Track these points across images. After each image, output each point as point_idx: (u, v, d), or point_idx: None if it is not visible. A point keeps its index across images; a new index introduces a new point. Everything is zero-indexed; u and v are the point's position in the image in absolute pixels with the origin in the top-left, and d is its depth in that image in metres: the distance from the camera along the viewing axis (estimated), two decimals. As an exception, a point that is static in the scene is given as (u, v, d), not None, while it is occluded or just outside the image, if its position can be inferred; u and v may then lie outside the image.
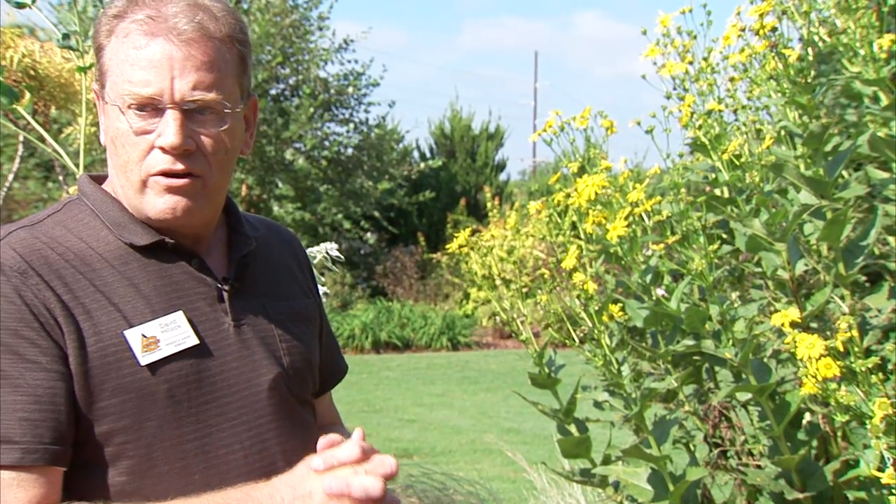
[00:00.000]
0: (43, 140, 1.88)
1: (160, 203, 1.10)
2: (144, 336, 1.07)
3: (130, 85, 1.07)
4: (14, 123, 2.06)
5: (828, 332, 1.49)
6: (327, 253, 2.15)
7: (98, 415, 1.05)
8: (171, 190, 1.10)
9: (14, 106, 1.70)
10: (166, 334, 1.08)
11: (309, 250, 2.18)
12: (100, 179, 1.19)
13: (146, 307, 1.09)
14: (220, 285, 1.16)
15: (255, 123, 1.22)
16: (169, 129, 1.07)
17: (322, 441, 1.04)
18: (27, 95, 1.71)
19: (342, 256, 2.17)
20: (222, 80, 1.10)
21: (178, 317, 1.10)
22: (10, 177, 2.55)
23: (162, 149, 1.08)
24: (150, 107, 1.07)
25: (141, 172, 1.10)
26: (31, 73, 2.08)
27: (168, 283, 1.12)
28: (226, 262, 1.20)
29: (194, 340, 1.10)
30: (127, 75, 1.07)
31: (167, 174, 1.09)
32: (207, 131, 1.10)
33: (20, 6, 1.73)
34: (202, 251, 1.18)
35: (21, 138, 2.39)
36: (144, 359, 1.06)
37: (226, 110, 1.11)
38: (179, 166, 1.09)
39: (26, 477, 1.00)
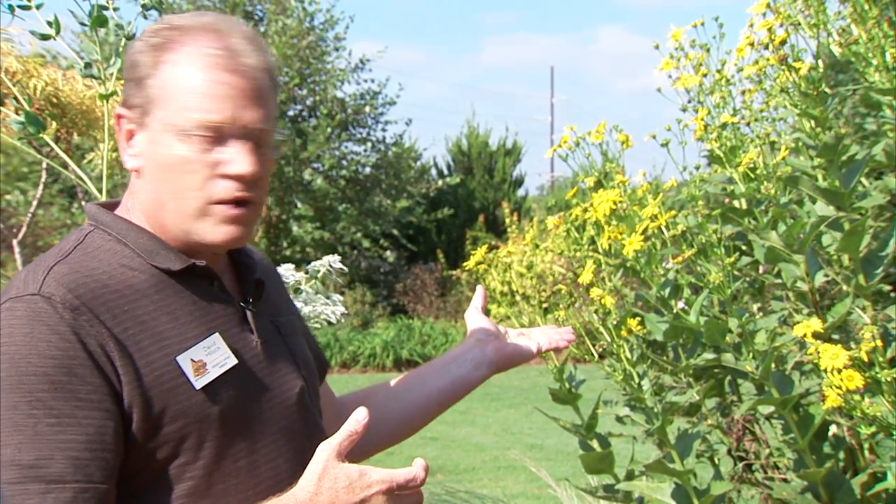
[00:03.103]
0: (66, 166, 1.91)
1: (221, 231, 1.13)
2: (193, 360, 1.09)
3: (197, 112, 1.09)
4: (38, 151, 2.10)
5: (851, 344, 1.48)
6: (330, 266, 2.16)
7: (159, 442, 1.06)
8: (234, 219, 1.13)
9: (41, 135, 1.74)
10: (210, 357, 1.11)
11: (312, 264, 2.19)
12: (110, 207, 1.20)
13: (188, 332, 1.11)
14: (242, 305, 1.19)
15: None
16: (242, 157, 1.11)
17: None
18: (52, 124, 1.74)
19: (346, 269, 2.18)
20: (272, 109, 1.16)
21: (217, 339, 1.13)
22: (34, 203, 2.59)
23: (233, 177, 1.11)
24: (215, 134, 1.10)
25: (200, 200, 1.12)
26: (54, 100, 2.13)
27: (201, 307, 1.14)
28: (235, 282, 1.23)
29: (234, 361, 1.13)
30: (190, 103, 1.10)
31: (236, 202, 1.12)
32: (263, 159, 1.14)
33: (45, 38, 1.77)
34: (218, 273, 1.20)
35: (44, 165, 2.44)
36: (198, 383, 1.08)
37: (278, 137, 1.16)
38: (246, 194, 1.12)
39: None
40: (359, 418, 1.08)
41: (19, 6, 1.77)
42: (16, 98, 1.83)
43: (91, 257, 1.12)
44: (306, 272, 2.15)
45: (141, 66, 1.13)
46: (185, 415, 1.07)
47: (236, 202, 1.12)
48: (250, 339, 1.17)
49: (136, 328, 1.07)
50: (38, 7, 1.79)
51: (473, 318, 1.59)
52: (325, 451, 1.06)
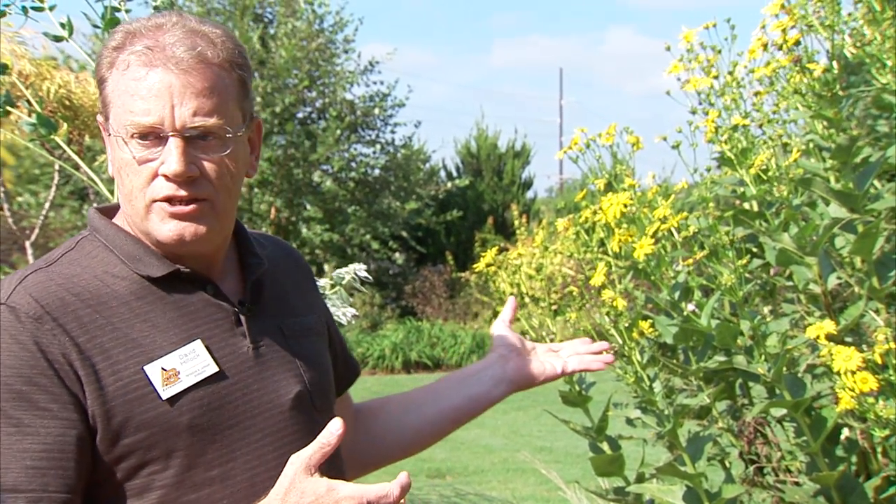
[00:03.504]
0: (78, 168, 1.93)
1: (166, 229, 1.11)
2: (164, 369, 1.07)
3: (132, 115, 1.08)
4: (50, 153, 2.12)
5: (863, 347, 1.47)
6: (356, 274, 2.17)
7: (124, 451, 1.05)
8: (178, 216, 1.11)
9: (52, 136, 1.75)
10: (186, 365, 1.09)
11: (337, 271, 2.20)
12: (109, 212, 1.20)
13: (165, 340, 1.10)
14: (236, 309, 1.17)
15: (260, 145, 1.22)
16: (171, 156, 1.08)
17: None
18: (63, 126, 1.75)
19: (370, 277, 2.18)
20: (223, 105, 1.10)
21: (197, 346, 1.11)
22: (47, 205, 2.61)
23: (165, 176, 1.09)
24: (153, 136, 1.08)
25: (145, 199, 1.11)
26: (67, 103, 2.14)
27: (185, 313, 1.13)
28: (241, 285, 1.21)
29: (214, 368, 1.11)
30: (128, 106, 1.08)
31: (171, 200, 1.10)
32: (210, 157, 1.11)
33: (57, 39, 1.78)
34: (216, 277, 1.18)
35: (57, 167, 2.46)
36: (166, 392, 1.07)
37: (227, 135, 1.11)
38: (183, 193, 1.10)
39: None
40: (332, 430, 1.04)
41: (32, 7, 1.79)
42: (28, 101, 1.84)
43: (76, 264, 1.12)
44: (331, 278, 2.16)
45: (101, 68, 1.13)
46: (150, 425, 1.06)
47: (175, 200, 1.10)
48: (241, 345, 1.15)
49: (106, 336, 1.07)
50: (50, 9, 1.80)
51: (499, 331, 1.53)
52: (294, 464, 1.04)
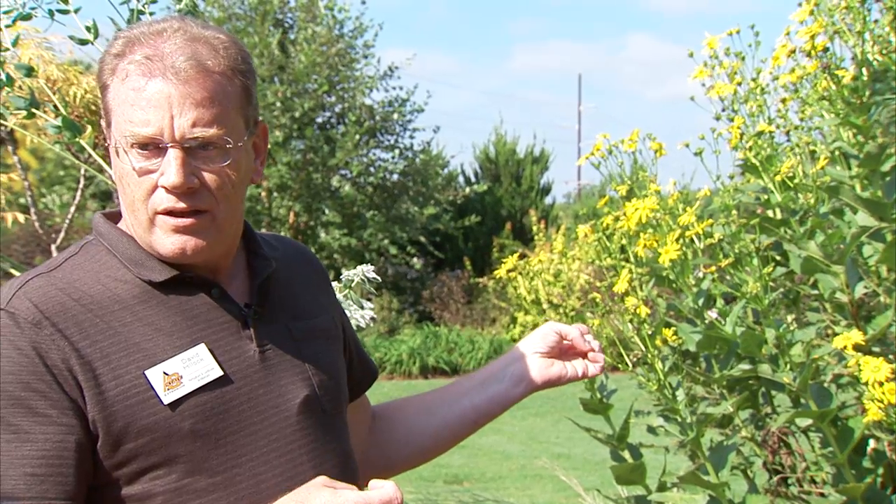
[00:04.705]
0: (102, 171, 1.94)
1: (169, 242, 1.10)
2: (166, 374, 1.06)
3: (131, 125, 1.07)
4: (76, 157, 2.14)
5: (891, 357, 1.45)
6: (364, 275, 2.16)
7: (126, 456, 1.05)
8: (179, 230, 1.09)
9: (77, 139, 1.77)
10: (189, 369, 1.08)
11: (345, 274, 2.19)
12: (114, 217, 1.19)
13: (167, 344, 1.08)
14: (243, 312, 1.15)
15: (266, 149, 1.20)
16: (170, 168, 1.06)
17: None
18: (88, 129, 1.77)
19: (379, 278, 2.17)
20: (224, 114, 1.08)
21: (201, 350, 1.09)
22: (73, 208, 2.64)
23: (165, 188, 1.08)
24: (152, 146, 1.07)
25: (148, 211, 1.09)
26: (93, 108, 2.17)
27: (189, 317, 1.11)
28: (248, 287, 1.19)
29: (218, 372, 1.09)
30: (128, 115, 1.07)
31: (172, 213, 1.09)
32: (210, 167, 1.09)
33: (83, 43, 1.80)
34: (222, 279, 1.17)
35: (83, 171, 2.49)
36: (167, 397, 1.06)
37: (228, 146, 1.09)
38: (182, 205, 1.08)
39: None
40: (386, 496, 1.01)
41: (58, 10, 1.80)
42: (55, 106, 1.86)
43: (79, 269, 1.12)
44: (339, 281, 2.15)
45: (103, 74, 1.12)
46: (151, 430, 1.05)
47: (176, 212, 1.09)
48: (247, 349, 1.13)
49: (107, 341, 1.06)
50: (76, 11, 1.82)
51: (545, 329, 1.45)
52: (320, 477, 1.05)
